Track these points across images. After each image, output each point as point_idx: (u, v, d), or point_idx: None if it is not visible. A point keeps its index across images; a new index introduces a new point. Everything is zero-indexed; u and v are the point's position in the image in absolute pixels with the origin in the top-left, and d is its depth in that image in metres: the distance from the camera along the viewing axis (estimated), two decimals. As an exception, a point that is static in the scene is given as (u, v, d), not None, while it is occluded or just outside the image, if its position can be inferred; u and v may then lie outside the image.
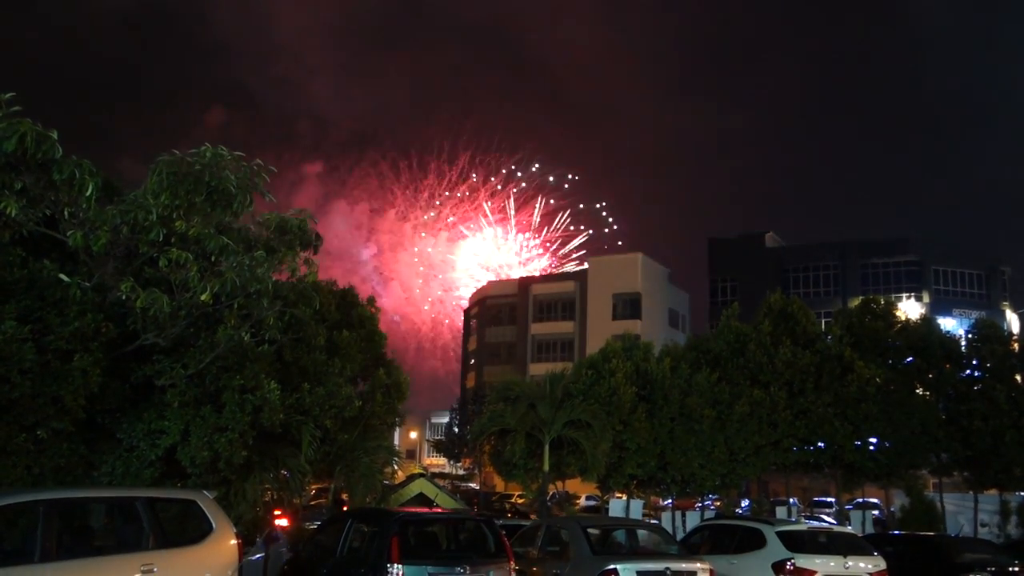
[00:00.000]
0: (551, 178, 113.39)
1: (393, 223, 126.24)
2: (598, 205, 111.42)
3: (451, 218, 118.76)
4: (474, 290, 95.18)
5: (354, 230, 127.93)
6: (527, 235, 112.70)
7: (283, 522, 18.72)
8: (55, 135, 10.22)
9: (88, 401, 11.36)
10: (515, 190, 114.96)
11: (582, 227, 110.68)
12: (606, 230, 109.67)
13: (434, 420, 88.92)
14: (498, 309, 77.94)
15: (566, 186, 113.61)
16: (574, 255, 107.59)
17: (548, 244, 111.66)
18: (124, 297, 11.02)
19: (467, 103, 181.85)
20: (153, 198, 10.89)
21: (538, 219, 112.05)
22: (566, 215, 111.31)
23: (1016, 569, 15.25)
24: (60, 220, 11.08)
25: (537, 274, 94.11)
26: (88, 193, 10.56)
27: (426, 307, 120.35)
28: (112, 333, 11.70)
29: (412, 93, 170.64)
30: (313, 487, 25.29)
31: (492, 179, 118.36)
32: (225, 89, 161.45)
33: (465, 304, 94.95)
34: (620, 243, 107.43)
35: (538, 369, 63.84)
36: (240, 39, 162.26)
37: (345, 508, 21.41)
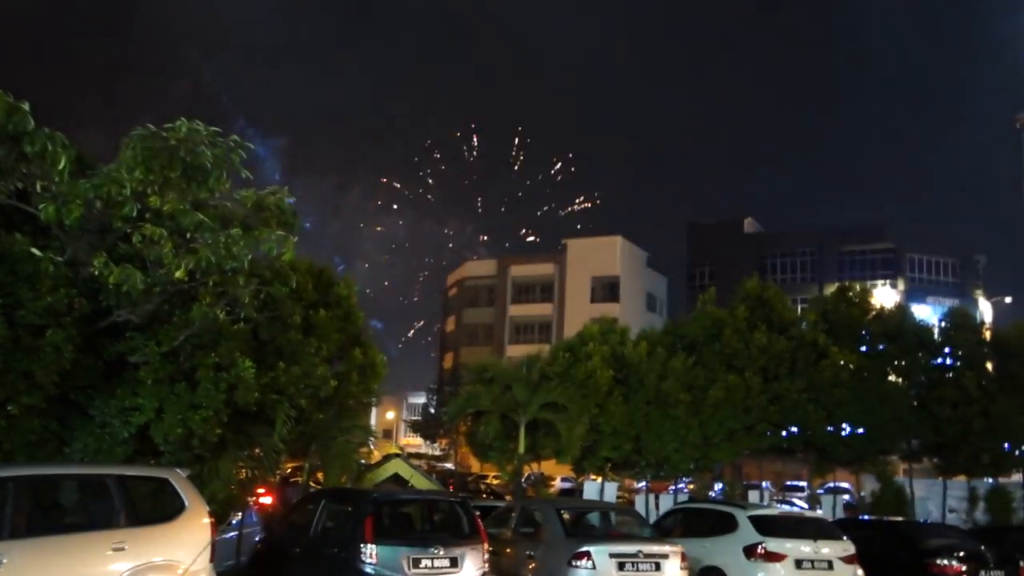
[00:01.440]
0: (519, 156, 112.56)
1: (359, 199, 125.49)
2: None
3: (415, 194, 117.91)
4: (439, 267, 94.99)
5: (319, 205, 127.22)
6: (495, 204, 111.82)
7: (267, 499, 18.70)
8: (27, 106, 10.05)
9: (60, 377, 11.24)
10: (482, 166, 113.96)
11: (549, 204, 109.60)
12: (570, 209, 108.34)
13: (411, 400, 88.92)
14: (476, 290, 77.88)
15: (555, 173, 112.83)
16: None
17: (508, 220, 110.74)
18: (97, 273, 10.89)
19: (441, 80, 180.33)
20: (127, 172, 10.72)
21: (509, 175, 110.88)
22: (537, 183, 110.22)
23: (982, 554, 15.50)
24: (32, 193, 10.91)
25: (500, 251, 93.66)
26: (61, 166, 10.39)
27: (389, 284, 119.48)
28: (85, 309, 11.58)
29: (382, 70, 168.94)
30: (288, 465, 25.27)
31: (462, 154, 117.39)
32: (188, 61, 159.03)
33: (426, 278, 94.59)
34: (590, 225, 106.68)
35: (516, 351, 63.86)
36: (204, 10, 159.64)
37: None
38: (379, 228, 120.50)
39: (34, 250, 10.92)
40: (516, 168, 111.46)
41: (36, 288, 10.87)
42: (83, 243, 11.53)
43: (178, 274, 11.06)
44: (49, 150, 10.29)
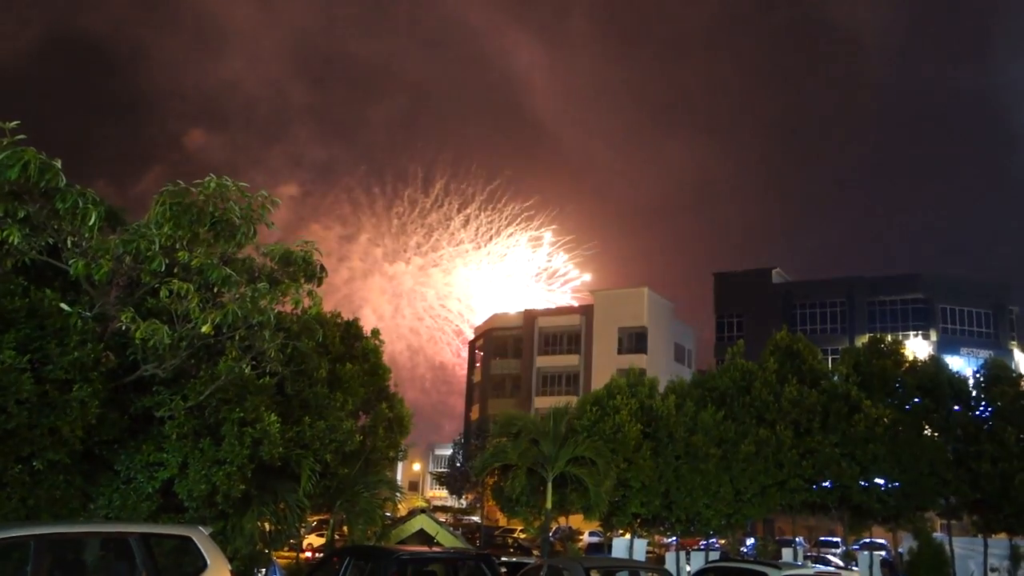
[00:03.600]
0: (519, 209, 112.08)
1: (365, 248, 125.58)
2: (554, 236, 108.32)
3: (424, 246, 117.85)
4: (443, 318, 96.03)
5: (324, 257, 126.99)
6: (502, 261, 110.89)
7: None
8: (59, 164, 10.18)
9: (86, 432, 11.23)
10: (493, 219, 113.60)
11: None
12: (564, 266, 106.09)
13: (437, 452, 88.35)
14: (503, 341, 77.69)
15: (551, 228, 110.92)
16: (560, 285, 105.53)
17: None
18: (125, 327, 10.93)
19: (455, 145, 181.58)
20: (156, 228, 10.83)
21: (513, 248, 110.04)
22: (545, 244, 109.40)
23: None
24: (63, 249, 11.03)
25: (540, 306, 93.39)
26: (91, 222, 10.50)
27: (402, 333, 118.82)
28: (112, 363, 11.61)
29: (391, 122, 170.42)
30: (314, 519, 25.05)
31: (469, 208, 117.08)
32: (198, 111, 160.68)
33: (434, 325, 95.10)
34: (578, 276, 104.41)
35: (543, 402, 63.46)
36: (206, 63, 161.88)
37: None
38: (385, 276, 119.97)
39: (63, 305, 10.99)
40: (532, 220, 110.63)
41: (64, 343, 10.92)
42: (112, 298, 11.63)
43: (204, 328, 11.07)
44: (80, 206, 10.41)
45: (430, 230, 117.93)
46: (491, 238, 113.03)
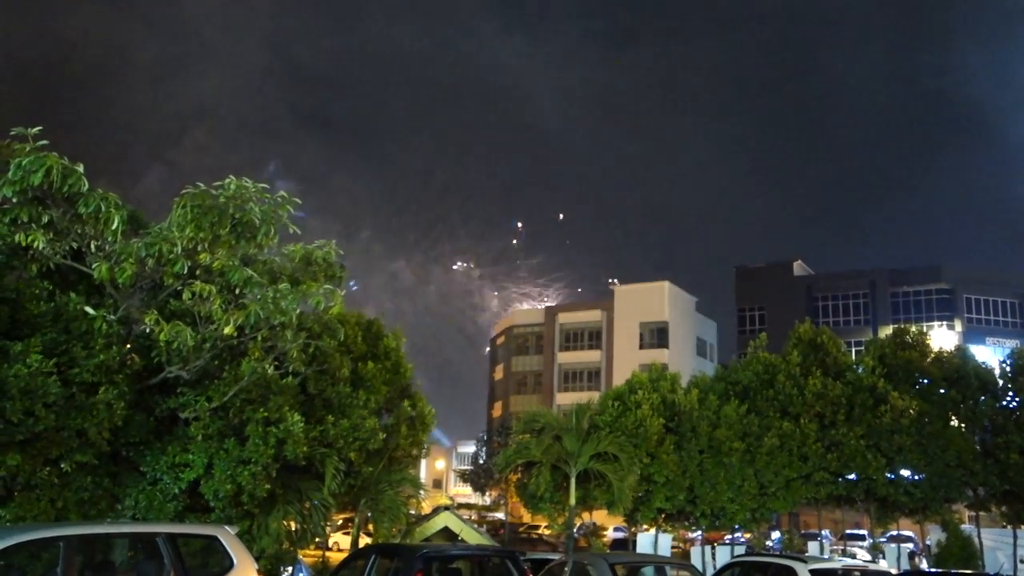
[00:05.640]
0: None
1: (365, 245, 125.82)
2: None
3: (424, 242, 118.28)
4: (446, 315, 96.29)
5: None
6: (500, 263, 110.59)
7: None
8: (81, 169, 10.27)
9: (112, 434, 11.33)
10: (493, 215, 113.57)
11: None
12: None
13: (460, 449, 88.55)
14: (524, 338, 77.66)
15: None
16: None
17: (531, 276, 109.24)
18: (149, 330, 11.02)
19: (455, 143, 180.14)
20: (178, 231, 10.91)
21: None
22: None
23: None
24: (86, 253, 11.14)
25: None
26: (114, 226, 10.60)
27: (405, 331, 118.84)
28: (137, 366, 11.71)
29: (389, 122, 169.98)
30: (339, 517, 25.17)
31: (470, 204, 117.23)
32: (190, 109, 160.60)
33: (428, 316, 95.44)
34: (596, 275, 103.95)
35: (565, 398, 63.47)
36: (201, 66, 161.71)
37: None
38: (386, 272, 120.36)
39: (88, 309, 11.10)
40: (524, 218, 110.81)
41: (90, 346, 11.02)
42: (135, 301, 11.72)
43: (227, 330, 11.14)
44: (103, 211, 10.51)
45: (430, 226, 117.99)
46: (491, 234, 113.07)
